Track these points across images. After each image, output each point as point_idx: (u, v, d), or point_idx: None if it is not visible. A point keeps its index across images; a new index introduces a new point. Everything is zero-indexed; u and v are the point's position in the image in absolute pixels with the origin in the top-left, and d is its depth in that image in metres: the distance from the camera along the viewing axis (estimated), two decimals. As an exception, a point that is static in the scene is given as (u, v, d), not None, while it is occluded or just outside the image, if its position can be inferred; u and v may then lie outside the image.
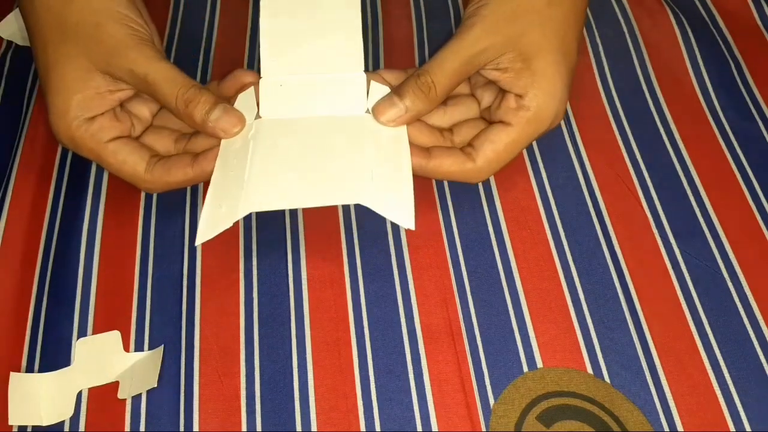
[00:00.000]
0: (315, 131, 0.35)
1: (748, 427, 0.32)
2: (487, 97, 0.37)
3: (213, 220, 0.33)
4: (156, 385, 0.33)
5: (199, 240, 0.33)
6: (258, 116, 0.36)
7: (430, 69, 0.35)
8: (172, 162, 0.36)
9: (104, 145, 0.36)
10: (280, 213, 0.38)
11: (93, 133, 0.36)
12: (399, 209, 0.33)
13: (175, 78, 0.35)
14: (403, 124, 0.35)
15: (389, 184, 0.34)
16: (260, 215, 0.38)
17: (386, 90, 0.36)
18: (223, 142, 0.36)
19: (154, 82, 0.35)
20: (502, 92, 0.36)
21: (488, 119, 0.37)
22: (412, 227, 0.32)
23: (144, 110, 0.39)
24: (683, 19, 0.46)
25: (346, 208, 0.39)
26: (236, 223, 0.38)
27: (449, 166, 0.35)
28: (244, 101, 0.37)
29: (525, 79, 0.35)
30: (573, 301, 0.35)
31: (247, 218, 0.38)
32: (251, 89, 0.37)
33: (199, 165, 0.36)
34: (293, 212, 0.38)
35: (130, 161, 0.36)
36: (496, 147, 0.35)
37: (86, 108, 0.36)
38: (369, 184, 0.33)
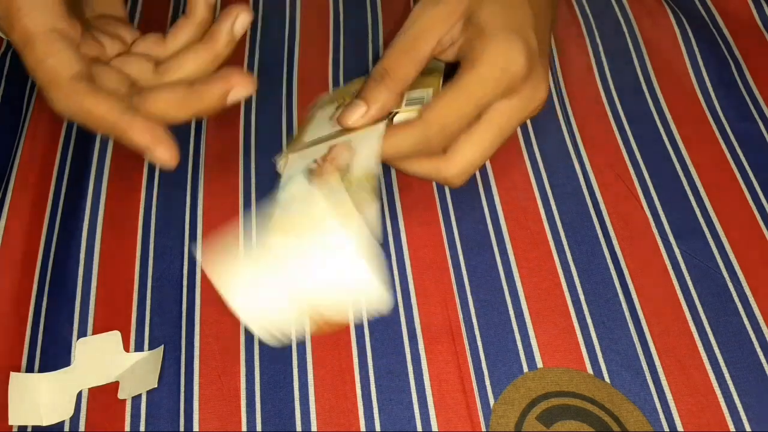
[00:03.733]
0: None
1: (748, 428, 0.32)
2: None
3: None
4: (156, 385, 0.33)
5: None
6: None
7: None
8: (108, 95, 0.29)
9: (42, 30, 0.30)
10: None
11: (40, 13, 0.30)
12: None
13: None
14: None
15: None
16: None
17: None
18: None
19: None
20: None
21: None
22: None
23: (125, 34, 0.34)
24: (683, 19, 0.46)
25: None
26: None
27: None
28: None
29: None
30: (573, 301, 0.35)
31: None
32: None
33: (131, 126, 0.30)
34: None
35: (59, 57, 0.29)
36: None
37: None
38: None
